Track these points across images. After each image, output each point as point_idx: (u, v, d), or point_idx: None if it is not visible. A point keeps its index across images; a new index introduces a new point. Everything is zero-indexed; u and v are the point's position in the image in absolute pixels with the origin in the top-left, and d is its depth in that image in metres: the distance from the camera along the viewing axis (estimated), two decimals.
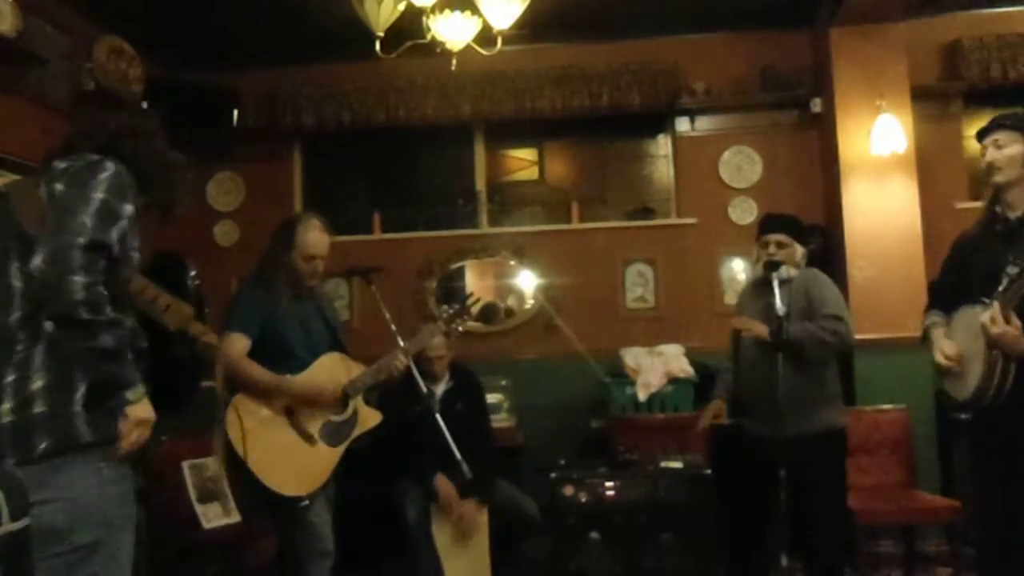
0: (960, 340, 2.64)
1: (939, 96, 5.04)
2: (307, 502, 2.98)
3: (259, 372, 2.99)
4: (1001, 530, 2.59)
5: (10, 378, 1.76)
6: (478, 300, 3.63)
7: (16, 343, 1.79)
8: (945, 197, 4.87)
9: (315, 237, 3.10)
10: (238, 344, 3.00)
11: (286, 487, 2.93)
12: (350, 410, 3.16)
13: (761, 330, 3.25)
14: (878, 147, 4.68)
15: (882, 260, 4.69)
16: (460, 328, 3.54)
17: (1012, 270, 2.45)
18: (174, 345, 1.97)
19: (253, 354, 3.01)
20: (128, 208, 1.85)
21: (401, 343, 3.24)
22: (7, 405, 1.74)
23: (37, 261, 1.71)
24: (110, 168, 1.86)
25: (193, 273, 2.23)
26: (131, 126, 2.04)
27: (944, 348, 2.66)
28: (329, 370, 3.12)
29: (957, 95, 5.05)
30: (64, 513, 1.71)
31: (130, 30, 4.67)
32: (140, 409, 1.85)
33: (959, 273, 2.74)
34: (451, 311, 3.50)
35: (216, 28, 4.91)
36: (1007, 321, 2.41)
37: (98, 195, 1.80)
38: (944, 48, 5.08)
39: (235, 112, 5.15)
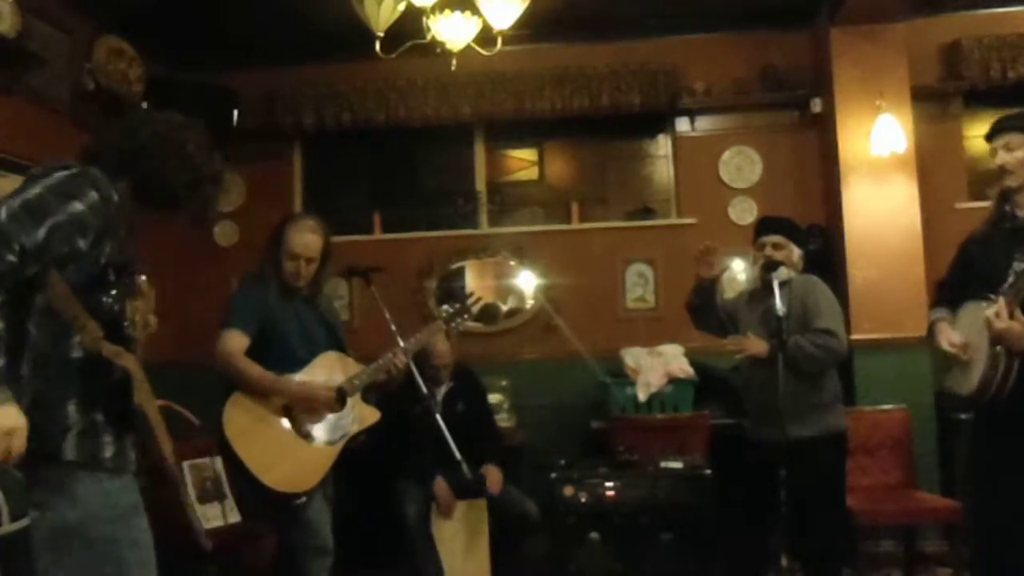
0: (965, 335, 2.63)
1: (939, 96, 5.03)
2: (304, 499, 2.97)
3: (255, 370, 2.98)
4: (997, 528, 2.59)
5: None
6: (479, 299, 3.64)
7: None
8: (945, 197, 4.87)
9: (300, 237, 3.07)
10: (234, 340, 2.99)
11: (283, 484, 2.92)
12: (348, 408, 3.15)
13: (759, 347, 3.24)
14: (878, 147, 4.68)
15: (882, 260, 4.69)
16: (459, 327, 3.55)
17: (1020, 266, 2.45)
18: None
19: (253, 353, 3.01)
20: (74, 207, 1.71)
21: (401, 343, 3.24)
22: None
23: None
24: (73, 169, 1.76)
25: (113, 292, 1.84)
26: (160, 142, 1.92)
27: (950, 336, 2.66)
28: (327, 369, 3.12)
29: (957, 95, 5.04)
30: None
31: (130, 30, 4.67)
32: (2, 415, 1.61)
33: (966, 270, 2.73)
34: (451, 310, 3.50)
35: (216, 28, 4.91)
36: (1011, 316, 2.41)
37: (36, 189, 1.70)
38: (944, 48, 5.07)
39: (235, 112, 5.15)
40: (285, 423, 3.02)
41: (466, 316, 3.51)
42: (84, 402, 1.76)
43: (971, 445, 2.78)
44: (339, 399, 3.11)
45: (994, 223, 2.68)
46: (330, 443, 3.08)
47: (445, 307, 3.57)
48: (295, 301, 3.14)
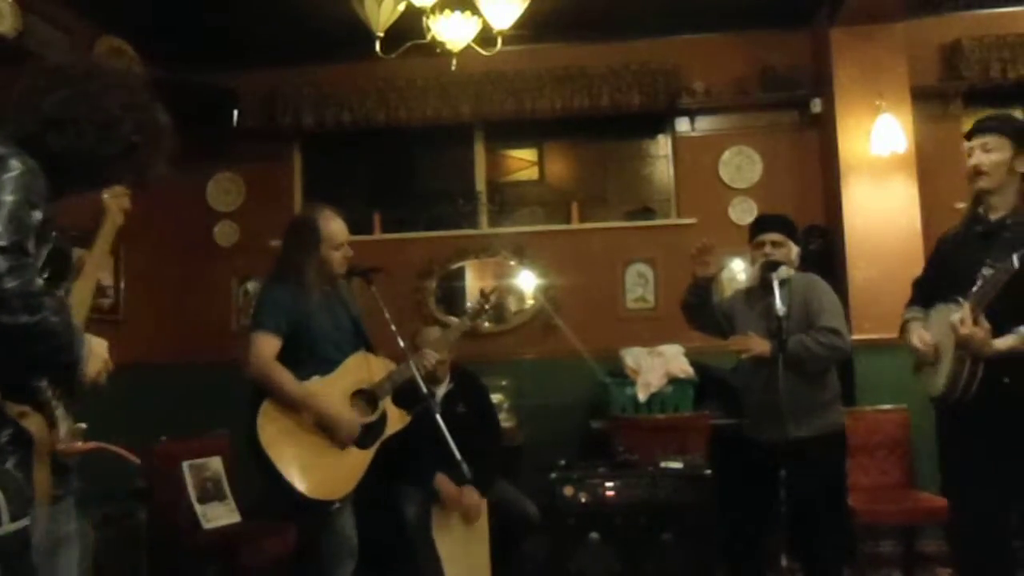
0: (935, 336, 2.68)
1: (939, 96, 5.04)
2: (338, 505, 2.96)
3: (287, 381, 2.92)
4: (973, 527, 2.63)
5: None
6: (496, 295, 3.64)
7: None
8: (945, 197, 4.84)
9: (334, 224, 3.08)
10: (268, 345, 2.93)
11: (317, 491, 2.90)
12: (379, 412, 3.13)
13: (763, 347, 3.22)
14: (878, 147, 4.68)
15: (882, 260, 4.68)
16: (484, 323, 3.53)
17: (986, 271, 2.48)
18: None
19: (285, 354, 2.95)
20: (37, 216, 1.49)
21: (401, 343, 3.23)
22: None
23: None
24: (16, 168, 1.49)
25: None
26: (76, 111, 1.60)
27: (922, 335, 2.72)
28: (356, 371, 3.09)
29: (957, 95, 5.05)
30: None
31: (130, 30, 4.66)
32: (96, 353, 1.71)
33: (939, 271, 2.77)
34: (476, 306, 3.49)
35: (216, 28, 4.91)
36: (975, 323, 2.44)
37: (6, 197, 1.46)
38: (944, 48, 5.07)
39: (235, 112, 5.15)
40: (318, 429, 2.98)
41: (489, 311, 3.51)
42: (17, 432, 1.56)
43: (940, 446, 2.83)
44: (370, 402, 3.10)
45: (967, 225, 2.70)
46: (363, 448, 3.05)
47: (469, 304, 3.56)
48: (329, 299, 3.11)
